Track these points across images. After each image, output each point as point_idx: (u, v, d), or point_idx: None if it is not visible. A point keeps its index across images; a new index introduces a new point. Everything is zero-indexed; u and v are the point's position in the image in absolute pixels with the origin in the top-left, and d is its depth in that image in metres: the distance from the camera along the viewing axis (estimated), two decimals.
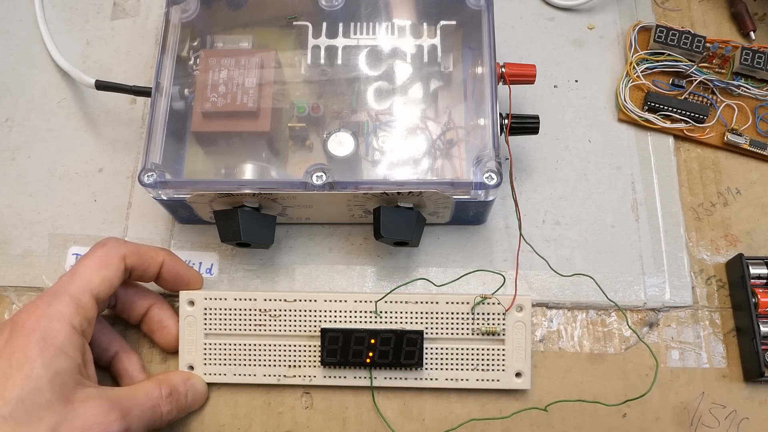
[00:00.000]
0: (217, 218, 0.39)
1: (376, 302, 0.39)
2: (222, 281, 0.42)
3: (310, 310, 0.39)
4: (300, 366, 0.39)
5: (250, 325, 0.39)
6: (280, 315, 0.39)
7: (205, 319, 0.39)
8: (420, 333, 0.38)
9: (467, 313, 0.39)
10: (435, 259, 0.43)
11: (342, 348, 0.38)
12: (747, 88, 0.46)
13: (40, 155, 0.46)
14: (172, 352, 0.40)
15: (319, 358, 0.39)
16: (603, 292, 0.41)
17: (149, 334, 0.40)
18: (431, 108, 0.41)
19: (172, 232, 0.43)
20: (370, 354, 0.38)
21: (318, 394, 0.40)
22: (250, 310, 0.39)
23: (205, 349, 0.39)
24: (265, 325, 0.39)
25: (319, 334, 0.39)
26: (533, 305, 0.41)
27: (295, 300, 0.39)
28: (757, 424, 0.39)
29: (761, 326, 0.39)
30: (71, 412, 0.31)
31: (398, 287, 0.40)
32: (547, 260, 0.41)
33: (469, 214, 0.41)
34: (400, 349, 0.38)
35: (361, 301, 0.39)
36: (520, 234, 0.40)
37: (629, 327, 0.41)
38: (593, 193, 0.44)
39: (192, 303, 0.40)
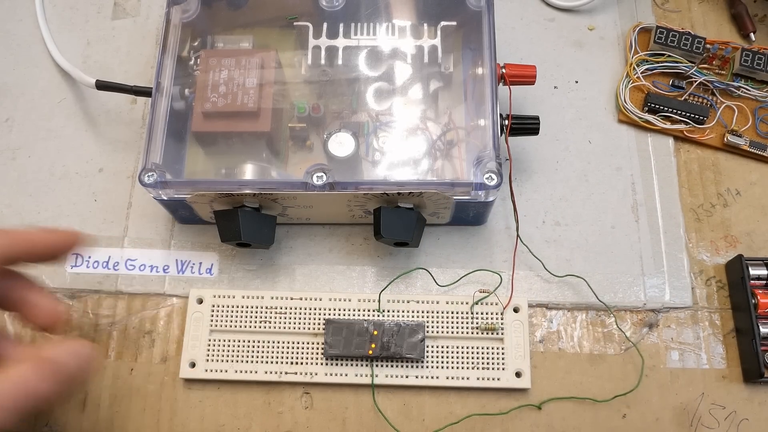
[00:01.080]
0: (217, 218, 0.39)
1: (380, 293, 0.40)
2: (222, 281, 0.42)
3: (315, 308, 0.40)
4: (301, 363, 0.39)
5: (256, 321, 0.40)
6: (286, 312, 0.40)
7: (212, 315, 0.40)
8: (422, 326, 0.39)
9: (467, 312, 0.40)
10: (435, 260, 0.43)
11: (345, 339, 0.39)
12: (747, 89, 0.46)
13: (40, 155, 0.46)
14: (48, 329, 0.35)
15: (321, 355, 0.39)
16: (594, 294, 0.41)
17: (24, 318, 0.34)
18: (431, 108, 0.41)
19: (172, 232, 0.44)
20: (373, 345, 0.39)
21: (318, 394, 0.40)
22: (256, 307, 0.40)
23: (209, 345, 0.40)
24: (269, 322, 0.40)
25: (323, 330, 0.39)
26: (533, 306, 0.41)
27: (301, 298, 0.40)
28: (756, 425, 0.39)
29: (761, 327, 0.39)
30: None
31: (402, 275, 0.41)
32: (543, 261, 0.41)
33: (470, 215, 0.41)
34: (403, 341, 0.39)
35: (364, 300, 0.40)
36: (518, 235, 0.41)
37: (617, 327, 0.41)
38: (593, 193, 0.44)
39: (200, 301, 0.40)
